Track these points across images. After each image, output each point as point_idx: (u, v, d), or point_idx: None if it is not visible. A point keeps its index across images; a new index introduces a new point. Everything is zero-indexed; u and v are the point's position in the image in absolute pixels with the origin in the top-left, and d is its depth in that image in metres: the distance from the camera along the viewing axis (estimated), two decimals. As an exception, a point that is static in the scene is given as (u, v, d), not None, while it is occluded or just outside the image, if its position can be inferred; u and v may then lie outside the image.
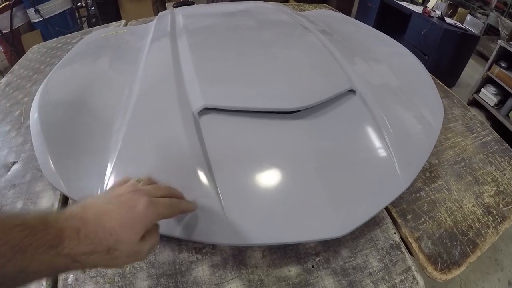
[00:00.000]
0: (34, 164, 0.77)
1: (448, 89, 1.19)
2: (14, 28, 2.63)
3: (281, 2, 3.58)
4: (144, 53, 0.85)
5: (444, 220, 0.64)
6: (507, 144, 0.94)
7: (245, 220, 0.48)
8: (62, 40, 1.62)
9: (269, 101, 0.61)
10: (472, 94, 2.06)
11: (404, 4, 2.71)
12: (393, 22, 3.04)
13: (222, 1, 2.22)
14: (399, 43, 1.15)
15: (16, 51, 2.75)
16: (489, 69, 1.90)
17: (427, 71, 0.99)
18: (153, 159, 0.55)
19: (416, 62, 1.02)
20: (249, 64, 0.72)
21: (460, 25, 2.33)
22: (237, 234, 0.46)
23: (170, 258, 0.53)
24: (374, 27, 3.38)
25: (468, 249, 0.60)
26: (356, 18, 3.57)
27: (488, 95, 1.93)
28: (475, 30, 2.53)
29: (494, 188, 0.76)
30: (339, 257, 0.54)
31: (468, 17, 2.71)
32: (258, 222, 0.48)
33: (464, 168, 0.79)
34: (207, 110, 0.60)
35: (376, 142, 0.61)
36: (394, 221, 0.62)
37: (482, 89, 1.98)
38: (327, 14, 1.51)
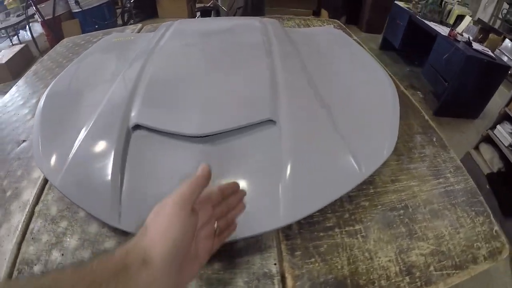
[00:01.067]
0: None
1: (432, 124, 1.06)
2: (56, 15, 2.92)
3: (313, 14, 3.53)
4: (125, 67, 0.97)
5: (339, 267, 0.58)
6: (481, 197, 0.81)
7: (130, 216, 0.58)
8: (86, 37, 1.74)
9: (179, 126, 0.65)
10: (487, 130, 1.83)
11: (432, 24, 2.49)
12: (419, 42, 2.82)
13: (235, 13, 2.25)
14: (383, 72, 1.07)
15: (56, 36, 3.05)
16: (507, 104, 1.67)
17: (397, 107, 0.89)
18: (90, 162, 0.68)
19: (389, 96, 0.93)
20: (187, 90, 0.78)
21: (490, 52, 2.07)
22: (121, 223, 0.58)
23: (95, 230, 0.66)
24: (400, 45, 3.22)
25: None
26: (384, 34, 3.41)
27: (503, 133, 1.69)
28: None
29: (432, 247, 0.66)
30: (210, 267, 0.55)
31: (509, 44, 2.41)
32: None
33: (401, 217, 0.71)
34: (139, 127, 0.70)
35: (272, 174, 0.58)
36: (280, 253, 0.58)
37: (498, 126, 1.75)
38: (326, 32, 1.46)
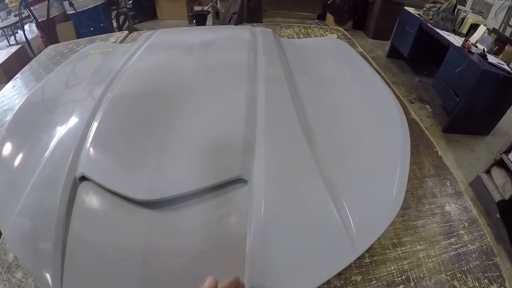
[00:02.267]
0: None
1: (445, 162, 0.90)
2: (50, 17, 2.82)
3: (317, 18, 3.36)
4: (87, 93, 0.85)
5: None
6: (497, 259, 0.68)
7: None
8: (70, 45, 1.65)
9: (129, 188, 0.53)
10: (501, 154, 1.66)
11: (444, 33, 2.31)
12: (430, 52, 2.64)
13: (231, 19, 2.10)
14: (390, 94, 0.90)
15: (51, 38, 2.95)
16: (526, 129, 1.51)
17: (407, 146, 0.73)
18: (35, 216, 0.58)
19: (398, 128, 0.76)
20: (146, 137, 0.64)
21: (505, 66, 1.89)
22: None
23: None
24: (409, 54, 3.02)
25: None
26: (392, 41, 3.22)
27: (520, 160, 1.54)
28: None
29: None
30: None
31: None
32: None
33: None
34: (84, 178, 0.59)
35: (236, 263, 0.45)
36: None
37: (513, 151, 1.59)
38: (327, 43, 1.30)
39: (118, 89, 0.80)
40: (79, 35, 2.94)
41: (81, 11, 2.86)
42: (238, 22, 1.87)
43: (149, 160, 0.57)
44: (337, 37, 1.58)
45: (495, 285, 0.62)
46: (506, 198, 1.61)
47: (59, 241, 0.52)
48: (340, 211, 0.54)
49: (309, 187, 0.55)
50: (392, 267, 0.61)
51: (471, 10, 2.38)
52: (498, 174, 1.70)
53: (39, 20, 2.77)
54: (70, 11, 2.88)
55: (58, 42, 3.08)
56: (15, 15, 3.84)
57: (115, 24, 3.21)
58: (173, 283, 0.46)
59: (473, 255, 0.67)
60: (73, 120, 0.72)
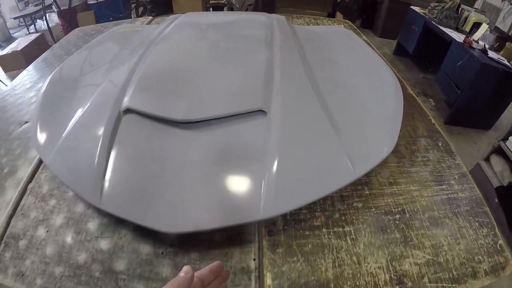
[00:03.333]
0: None
1: (438, 128, 1.01)
2: (71, 6, 2.97)
3: (327, 16, 3.50)
4: (126, 54, 0.98)
5: (323, 269, 0.53)
6: (486, 208, 0.75)
7: (112, 195, 0.58)
8: (97, 27, 1.79)
9: (167, 112, 0.65)
10: (498, 141, 1.74)
11: (447, 30, 2.40)
12: (434, 48, 2.73)
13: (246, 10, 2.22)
14: (390, 72, 1.02)
15: (71, 27, 3.10)
16: (523, 116, 1.59)
17: (401, 106, 0.85)
18: (81, 143, 0.69)
19: (393, 96, 0.89)
20: (183, 79, 0.77)
21: (506, 61, 1.97)
22: (101, 202, 0.58)
23: (81, 210, 0.69)
24: (414, 51, 3.12)
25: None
26: (399, 39, 3.33)
27: (517, 146, 1.61)
28: None
29: (428, 256, 0.61)
30: (186, 256, 0.55)
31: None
32: (122, 200, 0.57)
33: (397, 222, 0.66)
34: (130, 111, 0.70)
35: (256, 166, 0.55)
36: (260, 248, 0.54)
37: (510, 137, 1.66)
38: (335, 31, 1.42)
39: (156, 48, 0.92)
40: (98, 25, 3.09)
41: (102, 1, 3.01)
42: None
43: (185, 94, 0.68)
44: (344, 27, 1.69)
45: (485, 229, 0.69)
46: (505, 184, 1.68)
47: (102, 160, 0.62)
48: (345, 142, 0.64)
49: (316, 121, 0.66)
50: (389, 200, 0.70)
51: (474, 9, 2.48)
52: (497, 162, 1.77)
53: (62, 9, 2.92)
54: (91, 1, 3.04)
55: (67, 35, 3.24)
56: (35, 5, 4.04)
57: (133, 16, 3.35)
58: (202, 188, 0.55)
59: (464, 202, 0.75)
60: (117, 71, 0.84)
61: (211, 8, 2.46)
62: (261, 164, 0.55)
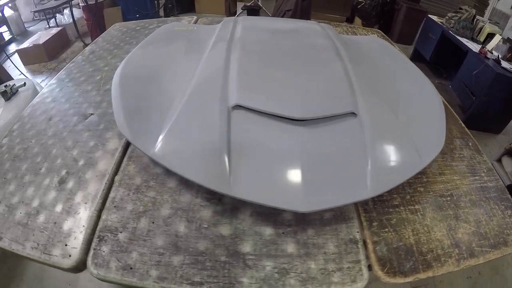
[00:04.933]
0: (107, 118, 1.07)
1: (468, 131, 1.24)
2: (98, 1, 3.13)
3: (346, 21, 3.71)
4: (205, 52, 1.09)
5: (406, 237, 0.75)
6: (509, 195, 0.98)
7: (241, 183, 0.67)
8: (140, 24, 1.93)
9: (283, 109, 0.79)
10: (510, 144, 1.99)
11: (464, 40, 2.65)
12: (450, 56, 2.97)
13: (284, 15, 2.41)
14: (426, 79, 1.23)
15: (97, 22, 3.26)
16: (534, 122, 1.84)
17: (443, 109, 1.06)
18: (192, 134, 0.77)
19: (436, 100, 1.09)
20: (279, 78, 0.91)
21: (518, 71, 2.23)
22: (231, 189, 0.67)
23: (188, 200, 0.76)
24: (431, 58, 3.35)
25: (420, 266, 0.71)
26: (416, 45, 3.58)
27: (527, 149, 1.86)
28: None
29: (473, 228, 0.84)
30: (304, 233, 0.70)
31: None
32: (250, 185, 0.68)
33: (449, 202, 0.88)
34: (238, 106, 0.80)
35: (359, 156, 0.75)
36: (360, 223, 0.75)
37: (523, 142, 1.92)
38: (372, 42, 1.60)
39: (241, 47, 1.04)
40: (125, 20, 3.25)
41: (129, -3, 3.17)
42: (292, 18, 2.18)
43: (286, 94, 0.83)
44: (378, 36, 1.91)
45: (509, 211, 0.90)
46: (514, 184, 1.93)
47: (225, 151, 0.70)
48: (410, 136, 0.86)
49: (391, 122, 0.87)
50: (441, 186, 0.92)
51: (489, 21, 2.73)
52: (508, 163, 2.02)
53: (89, 3, 3.07)
54: (119, -3, 3.18)
55: (105, 26, 3.39)
56: (56, -1, 4.18)
57: (160, 13, 3.52)
58: (320, 174, 0.70)
59: (492, 190, 0.97)
60: (206, 69, 0.96)
61: (246, 11, 2.64)
62: (363, 154, 0.74)
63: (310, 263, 0.66)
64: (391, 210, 0.80)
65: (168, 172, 0.83)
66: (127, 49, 1.57)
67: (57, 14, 4.02)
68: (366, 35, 1.91)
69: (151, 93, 0.93)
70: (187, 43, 1.23)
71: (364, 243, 0.72)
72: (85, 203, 0.78)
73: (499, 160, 2.08)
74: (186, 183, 0.81)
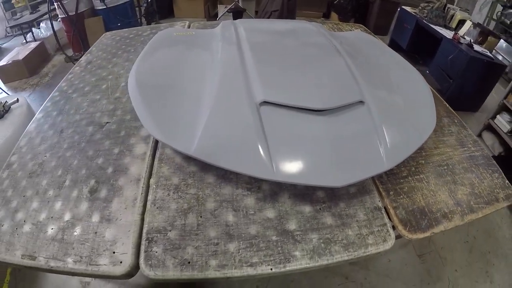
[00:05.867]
0: (126, 125, 1.12)
1: (452, 110, 1.43)
2: (79, 12, 3.11)
3: (322, 16, 3.91)
4: (217, 55, 1.20)
5: (418, 201, 0.90)
6: (494, 161, 1.17)
7: (283, 168, 0.78)
8: (133, 31, 1.98)
9: (305, 102, 0.93)
10: (488, 120, 2.24)
11: (437, 28, 2.90)
12: (425, 44, 3.23)
13: (270, 15, 2.54)
14: (413, 67, 1.41)
15: (79, 32, 3.23)
16: (505, 97, 2.08)
17: (431, 93, 1.24)
18: (228, 130, 0.86)
19: (423, 85, 1.27)
20: (293, 75, 1.04)
21: (488, 53, 2.49)
22: (276, 175, 0.77)
23: (230, 192, 0.86)
24: (407, 46, 3.58)
25: (433, 223, 0.86)
26: (391, 36, 3.84)
27: (503, 122, 2.10)
28: (509, 58, 2.67)
29: (469, 190, 1.00)
30: (337, 207, 0.83)
31: (504, 44, 2.83)
32: (291, 169, 0.78)
33: (446, 170, 1.05)
34: (265, 102, 0.92)
35: (372, 137, 0.90)
36: (380, 194, 0.89)
37: (498, 116, 2.15)
38: (360, 37, 1.76)
39: (251, 47, 1.16)
40: (108, 30, 3.25)
41: (111, 7, 3.18)
42: (279, 18, 2.31)
43: (304, 88, 0.96)
44: (361, 31, 2.09)
45: (496, 174, 1.08)
46: (496, 155, 2.16)
47: (263, 141, 0.81)
48: (410, 118, 1.01)
49: (395, 106, 1.02)
50: (438, 158, 1.09)
51: (459, 8, 3.00)
52: (488, 137, 2.27)
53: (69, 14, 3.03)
54: (99, 7, 3.18)
55: (86, 37, 3.35)
56: (31, 13, 4.07)
57: (141, 21, 3.53)
58: (344, 154, 0.83)
59: (479, 158, 1.14)
60: (224, 70, 1.07)
61: (232, 13, 2.75)
62: (375, 135, 0.88)
63: (348, 230, 0.79)
64: (401, 180, 0.95)
65: (204, 169, 0.91)
66: (126, 57, 1.63)
67: (33, 28, 3.93)
68: (351, 30, 2.09)
69: (173, 98, 1.00)
70: (194, 47, 1.32)
71: (386, 210, 0.86)
72: (125, 208, 0.81)
73: (479, 135, 2.32)
74: (224, 177, 0.90)
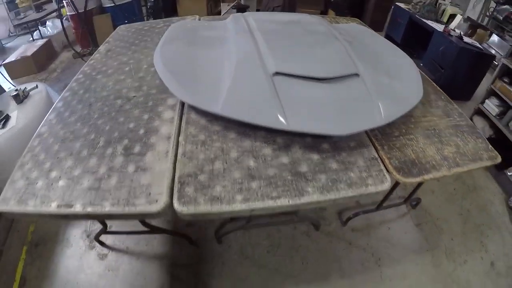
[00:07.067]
0: (153, 97, 1.27)
1: (438, 87, 1.61)
2: (87, 9, 3.27)
3: (320, 13, 4.13)
4: (233, 39, 1.40)
5: (409, 154, 1.07)
6: (478, 129, 1.34)
7: (294, 119, 0.96)
8: (147, 24, 2.16)
9: (310, 72, 1.13)
10: (478, 104, 2.42)
11: (429, 22, 3.11)
12: (418, 37, 3.43)
13: (273, 10, 2.73)
14: (402, 52, 1.61)
15: (87, 29, 3.40)
16: (493, 82, 2.26)
17: (418, 70, 1.43)
18: (249, 94, 1.05)
19: (411, 65, 1.47)
20: (299, 52, 1.25)
21: (478, 44, 2.68)
22: (288, 125, 0.96)
23: (250, 144, 1.02)
24: (401, 41, 3.78)
25: (423, 171, 1.02)
26: (387, 30, 4.07)
27: (491, 106, 2.28)
28: (501, 52, 2.87)
29: (454, 149, 1.17)
30: (340, 155, 1.00)
31: (496, 38, 3.03)
32: (301, 120, 0.96)
33: (433, 134, 1.21)
34: (277, 73, 1.11)
35: (368, 100, 1.08)
36: (375, 147, 1.06)
37: (487, 100, 2.34)
38: (356, 28, 1.96)
39: (262, 32, 1.37)
40: (115, 27, 3.41)
41: (119, 4, 3.34)
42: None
43: (311, 61, 1.16)
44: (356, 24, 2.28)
45: (480, 139, 1.24)
46: (486, 137, 2.34)
47: (277, 100, 1.01)
48: (400, 89, 1.19)
49: (386, 79, 1.20)
50: (426, 124, 1.25)
51: (450, 3, 3.21)
52: (478, 120, 2.45)
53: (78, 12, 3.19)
54: (107, 4, 3.35)
55: (95, 34, 3.51)
56: (37, 11, 4.23)
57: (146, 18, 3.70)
58: (344, 112, 1.02)
59: (464, 127, 1.31)
60: (239, 46, 1.28)
61: (236, 10, 2.93)
62: (370, 98, 1.07)
63: (350, 173, 0.95)
64: (393, 139, 1.12)
65: (227, 128, 1.07)
66: (143, 45, 1.79)
67: (39, 27, 4.08)
68: (348, 23, 2.27)
69: (196, 70, 1.19)
70: (210, 31, 1.53)
71: (381, 160, 1.03)
72: (158, 159, 0.92)
73: (470, 120, 2.50)
74: (244, 133, 1.06)
